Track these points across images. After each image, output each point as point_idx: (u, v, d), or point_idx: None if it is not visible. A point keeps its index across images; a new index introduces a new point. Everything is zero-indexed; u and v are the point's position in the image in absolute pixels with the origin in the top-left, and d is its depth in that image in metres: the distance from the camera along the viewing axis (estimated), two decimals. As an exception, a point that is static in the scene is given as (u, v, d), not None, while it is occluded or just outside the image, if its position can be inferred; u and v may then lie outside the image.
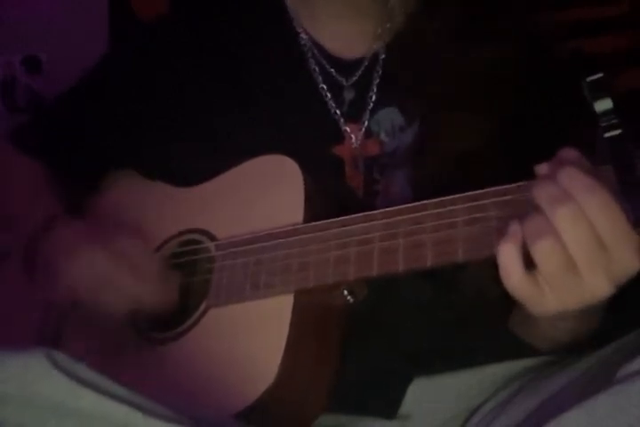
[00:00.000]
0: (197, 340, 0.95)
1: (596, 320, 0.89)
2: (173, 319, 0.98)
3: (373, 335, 0.98)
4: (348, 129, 1.06)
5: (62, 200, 1.14)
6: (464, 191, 0.83)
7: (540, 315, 0.77)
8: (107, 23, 1.74)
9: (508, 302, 0.90)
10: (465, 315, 0.99)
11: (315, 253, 0.89)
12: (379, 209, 0.99)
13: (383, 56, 1.08)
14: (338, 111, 1.06)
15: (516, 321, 0.98)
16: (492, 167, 0.95)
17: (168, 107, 1.11)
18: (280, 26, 1.11)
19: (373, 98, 1.07)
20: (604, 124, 0.74)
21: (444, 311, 0.99)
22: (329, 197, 0.97)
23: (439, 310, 0.99)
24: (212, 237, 1.00)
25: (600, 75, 0.76)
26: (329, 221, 0.90)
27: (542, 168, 0.77)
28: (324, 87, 1.07)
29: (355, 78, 1.08)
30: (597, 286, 0.73)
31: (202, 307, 0.97)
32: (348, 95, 1.07)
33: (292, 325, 0.88)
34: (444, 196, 0.84)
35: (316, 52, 1.09)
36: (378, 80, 1.07)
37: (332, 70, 1.08)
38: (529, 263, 0.74)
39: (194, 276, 1.01)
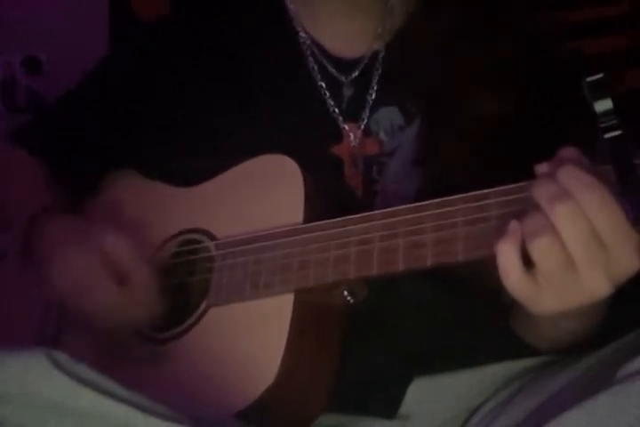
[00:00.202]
0: (197, 339, 0.95)
1: (596, 320, 0.89)
2: (173, 319, 0.98)
3: (373, 335, 0.98)
4: (346, 127, 1.06)
5: (62, 201, 1.14)
6: (465, 191, 0.83)
7: (540, 314, 0.77)
8: (107, 23, 1.74)
9: (508, 302, 0.90)
10: (465, 315, 0.99)
11: (315, 253, 0.89)
12: (378, 209, 0.99)
13: (383, 55, 1.08)
14: (337, 110, 1.06)
15: (516, 321, 0.98)
16: (493, 167, 0.95)
17: (168, 107, 1.11)
18: (279, 25, 1.11)
19: (373, 96, 1.07)
20: (603, 125, 0.74)
21: (444, 311, 0.99)
22: (328, 196, 0.97)
23: (439, 310, 0.99)
24: (212, 237, 1.00)
25: (600, 75, 0.76)
26: (329, 220, 0.90)
27: (542, 167, 0.77)
28: (323, 85, 1.07)
29: (354, 76, 1.08)
30: (596, 285, 0.73)
31: (202, 306, 0.97)
32: (347, 92, 1.07)
33: (293, 324, 0.88)
34: (446, 196, 0.84)
35: (315, 50, 1.09)
36: (377, 79, 1.07)
37: (332, 69, 1.08)
38: (528, 262, 0.74)
39: (194, 275, 1.01)
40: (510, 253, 0.74)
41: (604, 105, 0.75)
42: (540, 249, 0.73)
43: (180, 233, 1.04)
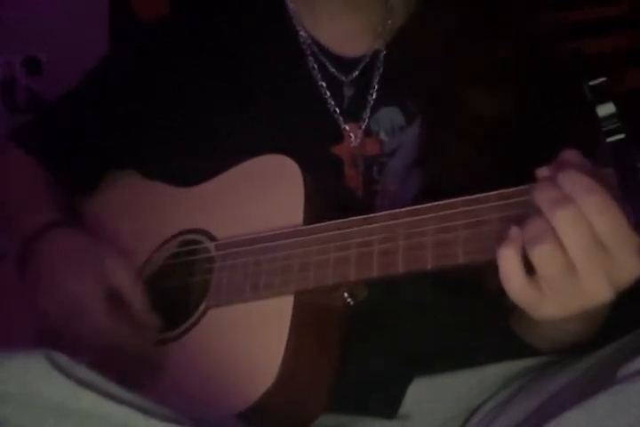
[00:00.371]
0: (197, 340, 0.95)
1: (598, 322, 0.89)
2: (173, 320, 0.98)
3: (374, 336, 0.98)
4: (347, 128, 1.05)
5: (62, 202, 1.13)
6: (465, 192, 0.83)
7: (541, 319, 0.76)
8: (107, 23, 1.74)
9: (508, 303, 0.90)
10: (465, 315, 0.99)
11: (315, 254, 0.89)
12: (378, 209, 0.99)
13: (383, 54, 1.08)
14: (337, 109, 1.06)
15: (516, 322, 0.98)
16: (494, 168, 0.95)
17: (168, 107, 1.11)
18: (279, 25, 1.11)
19: (374, 96, 1.06)
20: (606, 129, 0.74)
21: (444, 312, 0.99)
22: (328, 197, 0.97)
23: (439, 312, 0.99)
24: (212, 238, 1.00)
25: (603, 79, 0.75)
26: (329, 222, 0.90)
27: (543, 171, 0.76)
28: (324, 85, 1.07)
29: (354, 75, 1.08)
30: (597, 290, 0.72)
31: (201, 307, 0.96)
32: (348, 92, 1.07)
33: (293, 325, 0.88)
34: (446, 196, 0.84)
35: (315, 50, 1.09)
36: (378, 78, 1.07)
37: (332, 69, 1.08)
38: (529, 268, 0.74)
39: (193, 276, 1.01)
40: (511, 259, 0.73)
41: (606, 109, 0.74)
42: (542, 255, 0.72)
43: (180, 233, 1.04)
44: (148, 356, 0.96)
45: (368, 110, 1.06)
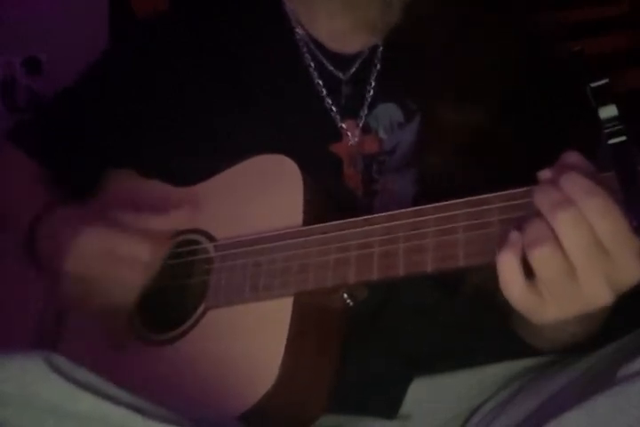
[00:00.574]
0: (196, 342, 0.95)
1: (598, 323, 0.89)
2: (172, 321, 0.98)
3: (374, 337, 0.98)
4: (344, 126, 1.05)
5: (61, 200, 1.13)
6: (464, 191, 0.83)
7: (541, 324, 0.76)
8: (107, 23, 1.74)
9: (508, 303, 0.90)
10: (465, 316, 0.99)
11: (315, 256, 0.89)
12: (378, 209, 0.99)
13: (381, 50, 1.08)
14: (334, 108, 1.06)
15: (516, 322, 0.97)
16: (493, 167, 0.95)
17: (168, 107, 1.11)
18: (276, 23, 1.11)
19: (371, 93, 1.06)
20: (607, 131, 0.74)
21: (444, 313, 0.99)
22: (328, 196, 0.97)
23: (439, 312, 0.99)
24: (211, 238, 1.00)
25: (605, 80, 0.75)
26: (329, 223, 0.90)
27: (545, 173, 0.76)
28: (320, 83, 1.07)
29: (352, 72, 1.07)
30: (597, 293, 0.72)
31: (200, 308, 0.96)
32: (346, 90, 1.07)
33: (292, 327, 0.88)
34: (445, 195, 0.83)
35: (312, 47, 1.09)
36: (376, 75, 1.07)
37: (329, 65, 1.08)
38: (529, 271, 0.73)
39: (192, 277, 1.01)
40: (511, 264, 0.73)
41: (608, 111, 0.74)
42: (541, 258, 0.72)
43: (179, 233, 1.04)
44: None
45: (366, 107, 1.06)
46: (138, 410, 0.68)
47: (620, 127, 0.73)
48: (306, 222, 0.92)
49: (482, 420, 0.97)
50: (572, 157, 0.76)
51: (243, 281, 0.93)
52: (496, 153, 0.96)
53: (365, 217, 0.88)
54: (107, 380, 0.70)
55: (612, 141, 0.73)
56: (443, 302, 0.98)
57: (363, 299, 0.92)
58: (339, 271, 0.87)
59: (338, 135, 1.05)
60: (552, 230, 0.72)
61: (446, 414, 1.00)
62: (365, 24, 1.07)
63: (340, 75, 1.07)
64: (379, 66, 1.07)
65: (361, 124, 1.05)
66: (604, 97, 0.74)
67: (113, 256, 0.96)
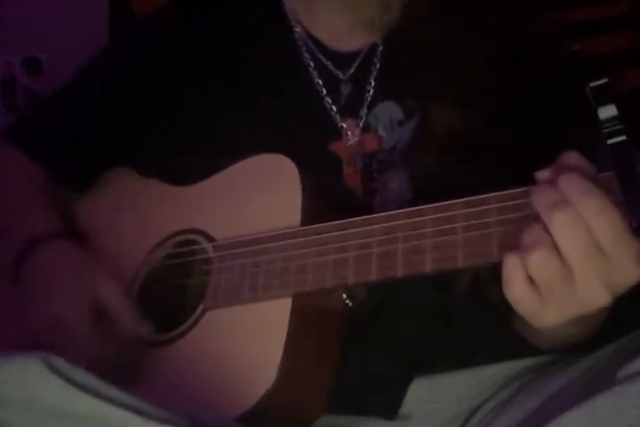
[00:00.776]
0: (195, 342, 0.95)
1: (598, 324, 0.89)
2: (171, 321, 0.98)
3: (373, 337, 0.98)
4: (344, 125, 1.05)
5: (59, 205, 1.13)
6: (463, 190, 0.82)
7: (542, 327, 0.75)
8: (107, 23, 1.74)
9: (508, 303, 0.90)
10: (465, 316, 0.99)
11: (313, 256, 0.88)
12: (378, 208, 0.99)
13: (381, 48, 1.08)
14: (334, 107, 1.06)
15: (516, 322, 0.97)
16: (492, 166, 0.94)
17: (168, 106, 1.11)
18: (276, 22, 1.11)
19: (371, 91, 1.06)
20: (607, 130, 0.73)
21: (444, 314, 0.98)
22: (327, 195, 0.97)
23: (440, 313, 0.98)
24: (210, 238, 1.00)
25: (604, 80, 0.75)
26: (328, 224, 0.90)
27: (543, 174, 0.76)
28: (320, 83, 1.07)
29: (351, 71, 1.07)
30: (594, 295, 0.71)
31: (199, 309, 0.96)
32: (345, 89, 1.07)
33: (291, 327, 0.88)
34: (443, 195, 0.83)
35: (311, 45, 1.09)
36: (375, 73, 1.07)
37: (329, 64, 1.08)
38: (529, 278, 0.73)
39: (191, 277, 1.01)
40: (516, 266, 0.72)
41: (608, 111, 0.74)
42: (539, 263, 0.71)
43: (177, 233, 1.04)
44: (136, 360, 0.97)
45: (365, 106, 1.06)
46: (138, 412, 0.68)
47: (619, 127, 0.73)
48: (304, 222, 0.92)
49: (482, 420, 0.97)
50: (573, 157, 0.75)
51: (241, 282, 0.93)
52: (494, 153, 0.96)
53: (364, 217, 0.88)
54: (106, 381, 0.70)
55: (611, 141, 0.73)
56: (442, 302, 0.98)
57: (362, 299, 0.92)
58: (337, 272, 0.86)
59: (337, 134, 1.05)
60: (549, 234, 0.71)
61: (446, 415, 1.00)
62: (365, 23, 1.08)
63: (340, 74, 1.07)
64: (378, 65, 1.07)
65: (361, 124, 1.05)
66: (603, 97, 0.74)
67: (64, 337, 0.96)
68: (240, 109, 1.07)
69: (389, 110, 1.05)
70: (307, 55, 1.08)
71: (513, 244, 0.74)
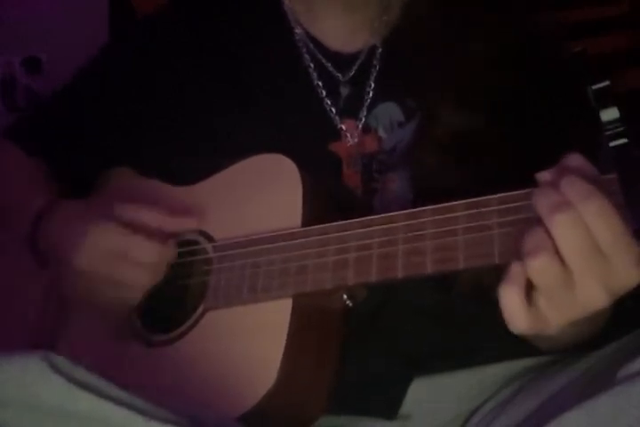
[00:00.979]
0: (196, 342, 0.95)
1: (598, 325, 0.89)
2: (171, 321, 0.98)
3: (374, 337, 0.98)
4: (343, 127, 1.05)
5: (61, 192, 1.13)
6: (462, 190, 0.82)
7: (544, 335, 0.76)
8: (107, 23, 1.74)
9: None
10: (465, 316, 0.99)
11: (313, 257, 0.88)
12: (378, 208, 0.99)
13: (380, 50, 1.08)
14: (334, 109, 1.06)
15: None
16: (492, 167, 0.94)
17: (168, 106, 1.11)
18: (276, 23, 1.11)
19: (370, 94, 1.06)
20: (608, 133, 0.73)
21: (444, 314, 0.98)
22: (327, 196, 0.97)
23: (440, 313, 0.98)
24: (210, 238, 1.00)
25: (606, 82, 0.74)
26: (329, 224, 0.89)
27: (544, 175, 0.76)
28: (320, 84, 1.07)
29: (351, 73, 1.07)
30: (593, 297, 0.72)
31: (199, 309, 0.96)
32: (344, 90, 1.07)
33: (291, 327, 0.88)
34: (444, 195, 0.83)
35: (311, 46, 1.09)
36: (375, 74, 1.07)
37: (329, 65, 1.08)
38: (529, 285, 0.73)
39: (191, 277, 1.01)
40: (514, 297, 0.72)
41: (610, 114, 0.73)
42: (540, 268, 0.71)
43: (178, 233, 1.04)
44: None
45: (365, 107, 1.06)
46: (139, 411, 0.68)
47: (621, 129, 0.73)
48: (304, 222, 0.92)
49: (482, 420, 0.97)
50: (575, 159, 0.75)
51: (241, 282, 0.93)
52: (495, 153, 0.96)
53: (364, 218, 0.88)
54: (107, 380, 0.70)
55: (613, 144, 0.72)
56: (442, 302, 0.98)
57: (362, 299, 0.92)
58: (337, 273, 0.86)
59: (337, 135, 1.05)
60: (550, 238, 0.71)
61: (446, 415, 0.99)
62: (365, 24, 1.08)
63: (340, 76, 1.08)
64: (378, 66, 1.07)
65: (360, 125, 1.05)
66: (605, 99, 0.74)
67: (122, 256, 0.96)
68: (240, 109, 1.07)
69: (389, 111, 1.05)
70: (307, 56, 1.08)
71: (514, 247, 0.74)
